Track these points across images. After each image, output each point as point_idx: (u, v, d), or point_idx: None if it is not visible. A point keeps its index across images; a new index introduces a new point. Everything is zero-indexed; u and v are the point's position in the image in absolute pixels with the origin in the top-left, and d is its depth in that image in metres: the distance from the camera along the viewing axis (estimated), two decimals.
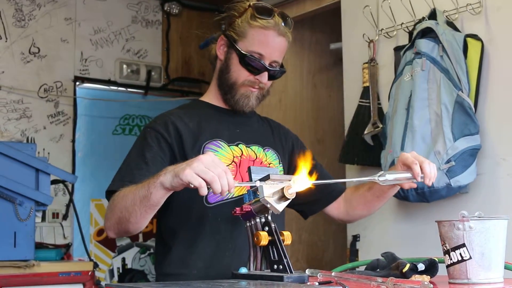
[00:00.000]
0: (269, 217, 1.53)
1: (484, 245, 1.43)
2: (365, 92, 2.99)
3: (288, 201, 1.49)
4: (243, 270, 1.53)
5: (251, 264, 1.54)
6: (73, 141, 4.33)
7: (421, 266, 1.49)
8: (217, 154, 1.87)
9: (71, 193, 4.08)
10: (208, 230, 1.86)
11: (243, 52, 1.91)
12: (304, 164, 1.54)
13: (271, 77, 1.96)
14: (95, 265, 3.43)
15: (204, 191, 1.50)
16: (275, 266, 1.47)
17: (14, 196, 3.07)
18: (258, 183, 1.49)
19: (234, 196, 1.87)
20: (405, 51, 2.71)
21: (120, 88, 4.61)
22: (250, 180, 1.55)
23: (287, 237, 1.53)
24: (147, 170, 1.78)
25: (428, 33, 2.60)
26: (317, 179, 1.57)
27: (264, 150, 2.00)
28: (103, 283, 3.75)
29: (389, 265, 1.60)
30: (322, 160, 2.77)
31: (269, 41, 1.92)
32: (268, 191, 1.48)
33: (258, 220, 1.53)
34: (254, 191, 1.54)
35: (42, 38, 4.27)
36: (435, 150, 2.48)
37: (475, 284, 1.44)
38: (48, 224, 4.14)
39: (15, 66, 4.16)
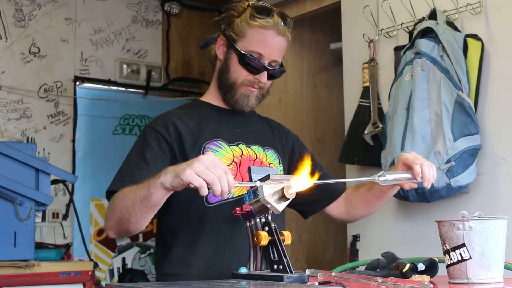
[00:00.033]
0: (269, 217, 1.53)
1: (484, 245, 1.44)
2: (365, 92, 2.99)
3: (288, 201, 1.49)
4: (243, 270, 1.53)
5: (251, 264, 1.54)
6: (73, 141, 4.33)
7: (421, 266, 1.49)
8: (217, 154, 1.87)
9: (71, 193, 4.08)
10: (208, 230, 1.86)
11: (242, 52, 1.91)
12: (304, 164, 1.54)
13: (271, 77, 1.96)
14: (95, 265, 3.43)
15: (204, 191, 1.50)
16: (275, 266, 1.47)
17: (14, 196, 3.07)
18: (258, 183, 1.49)
19: (234, 196, 1.87)
20: (405, 51, 2.71)
21: (120, 88, 4.61)
22: (250, 180, 1.55)
23: (287, 237, 1.53)
24: (147, 170, 1.78)
25: (428, 33, 2.60)
26: (317, 179, 1.57)
27: (264, 150, 2.00)
28: (103, 283, 3.75)
29: (389, 265, 1.60)
30: (322, 160, 2.77)
31: (268, 41, 1.92)
32: (268, 191, 1.48)
33: (258, 220, 1.53)
34: (254, 191, 1.54)
35: (42, 38, 4.27)
36: (435, 150, 2.48)
37: (475, 284, 1.44)
38: (48, 224, 4.14)
39: (15, 66, 4.16)
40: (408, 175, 1.78)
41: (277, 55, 1.94)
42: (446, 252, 1.48)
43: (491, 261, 1.44)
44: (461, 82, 2.50)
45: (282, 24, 1.93)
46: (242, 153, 1.94)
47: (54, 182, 3.40)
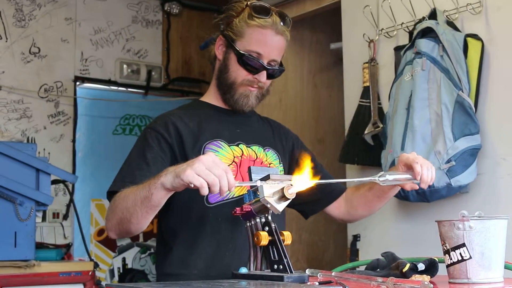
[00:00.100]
0: (269, 217, 1.53)
1: (484, 245, 1.44)
2: (366, 92, 2.99)
3: (288, 201, 1.49)
4: (243, 270, 1.53)
5: (251, 264, 1.54)
6: (74, 141, 4.34)
7: (421, 266, 1.50)
8: (218, 154, 1.87)
9: (71, 193, 4.08)
10: (209, 230, 1.86)
11: (241, 51, 1.91)
12: (305, 164, 1.54)
13: (270, 76, 1.96)
14: (96, 265, 3.43)
15: (205, 191, 1.50)
16: (275, 266, 1.48)
17: (15, 196, 3.07)
18: (258, 183, 1.49)
19: (234, 196, 1.87)
20: (405, 51, 2.71)
21: (120, 88, 4.61)
22: (251, 180, 1.55)
23: (287, 237, 1.53)
24: (148, 171, 1.78)
25: (428, 33, 2.60)
26: (317, 179, 1.57)
27: (264, 150, 2.00)
28: (103, 283, 3.75)
29: (389, 265, 1.61)
30: (323, 160, 2.77)
31: (267, 40, 1.92)
32: (268, 191, 1.48)
33: (258, 220, 1.53)
34: (254, 191, 1.54)
35: (42, 38, 4.27)
36: (436, 150, 2.48)
37: (475, 284, 1.44)
38: (48, 224, 4.14)
39: (16, 66, 4.16)
40: (408, 176, 1.78)
41: (276, 54, 1.94)
42: (446, 252, 1.48)
43: (491, 261, 1.44)
44: (461, 82, 2.50)
45: (281, 23, 1.93)
46: (242, 153, 1.94)
47: (54, 182, 3.40)
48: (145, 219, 1.69)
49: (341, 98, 3.28)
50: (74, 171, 4.28)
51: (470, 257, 1.44)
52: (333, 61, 4.16)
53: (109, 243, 4.46)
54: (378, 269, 1.67)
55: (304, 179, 1.50)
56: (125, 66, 4.59)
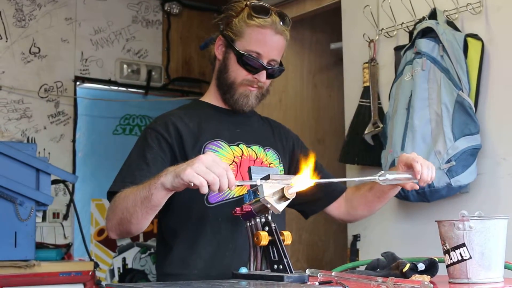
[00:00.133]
0: (269, 217, 1.53)
1: (484, 245, 1.44)
2: (366, 92, 2.99)
3: (288, 201, 1.49)
4: (244, 270, 1.53)
5: (251, 264, 1.54)
6: (74, 141, 4.34)
7: (421, 266, 1.50)
8: (218, 154, 1.87)
9: (71, 193, 4.08)
10: (209, 230, 1.86)
11: (241, 51, 1.91)
12: (305, 164, 1.54)
13: (270, 76, 1.96)
14: (96, 265, 3.43)
15: (205, 189, 1.50)
16: (275, 266, 1.48)
17: (15, 196, 3.07)
18: (258, 182, 1.49)
19: (234, 196, 1.88)
20: (405, 51, 2.71)
21: (120, 88, 4.62)
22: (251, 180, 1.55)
23: (287, 237, 1.53)
24: (148, 171, 1.78)
25: (428, 32, 2.60)
26: (317, 179, 1.57)
27: (264, 150, 2.00)
28: (103, 283, 3.75)
29: (389, 265, 1.61)
30: (323, 160, 2.76)
31: (266, 40, 1.91)
32: (268, 191, 1.48)
33: (258, 220, 1.54)
34: (254, 191, 1.54)
35: (42, 38, 4.27)
36: (436, 150, 2.48)
37: (475, 284, 1.44)
38: (48, 224, 4.14)
39: (16, 66, 4.16)
40: (408, 175, 1.78)
41: (275, 54, 1.94)
42: (446, 252, 1.48)
43: (491, 261, 1.44)
44: (461, 82, 2.50)
45: (281, 23, 1.93)
46: (243, 153, 1.94)
47: (54, 182, 3.40)
48: (145, 219, 1.69)
49: (341, 98, 3.28)
50: (74, 171, 4.28)
51: (470, 257, 1.44)
52: (333, 61, 4.16)
53: (109, 243, 4.46)
54: (378, 269, 1.67)
55: (304, 179, 1.50)
56: (125, 66, 4.59)
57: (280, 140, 2.09)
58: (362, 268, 1.79)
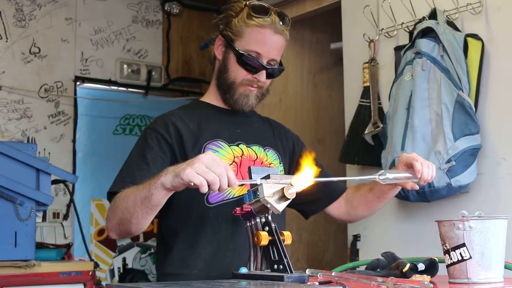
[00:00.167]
0: (269, 217, 1.53)
1: (484, 245, 1.44)
2: (366, 92, 2.99)
3: (288, 201, 1.49)
4: (244, 270, 1.53)
5: (252, 264, 1.54)
6: (74, 141, 4.34)
7: (421, 266, 1.50)
8: (218, 154, 1.87)
9: (71, 193, 4.08)
10: (209, 230, 1.86)
11: (240, 51, 1.91)
12: (305, 164, 1.54)
13: (269, 76, 1.96)
14: (96, 265, 3.43)
15: (204, 189, 1.50)
16: (276, 266, 1.48)
17: (15, 196, 3.07)
18: (258, 181, 1.49)
19: (234, 196, 1.88)
20: (405, 50, 2.71)
21: (120, 88, 4.62)
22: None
23: (287, 237, 1.53)
24: (148, 171, 1.78)
25: (428, 32, 2.60)
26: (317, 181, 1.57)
27: (264, 150, 2.00)
28: (103, 283, 3.76)
29: (389, 265, 1.61)
30: (323, 160, 2.76)
31: (266, 40, 1.91)
32: (268, 191, 1.48)
33: (258, 220, 1.54)
34: (254, 191, 1.54)
35: (42, 38, 4.28)
36: (436, 150, 2.48)
37: (475, 284, 1.44)
38: (48, 224, 4.14)
39: (16, 66, 4.16)
40: (408, 174, 1.78)
41: (275, 54, 1.94)
42: (446, 251, 1.49)
43: (491, 261, 1.44)
44: (461, 82, 2.50)
45: (280, 23, 1.93)
46: (243, 153, 1.94)
47: (54, 182, 3.40)
48: (145, 219, 1.69)
49: (341, 98, 3.28)
50: (74, 171, 4.28)
51: (470, 257, 1.44)
52: (333, 61, 4.16)
53: (109, 243, 4.46)
54: (378, 269, 1.67)
55: (304, 179, 1.50)
56: (125, 66, 4.59)
57: (280, 140, 2.09)
58: (362, 268, 1.79)
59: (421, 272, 1.49)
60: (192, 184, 1.50)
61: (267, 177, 1.49)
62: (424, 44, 2.58)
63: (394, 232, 2.88)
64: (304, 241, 4.04)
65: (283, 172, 2.00)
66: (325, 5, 3.48)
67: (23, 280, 3.07)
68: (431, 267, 1.51)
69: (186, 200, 1.85)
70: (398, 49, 2.87)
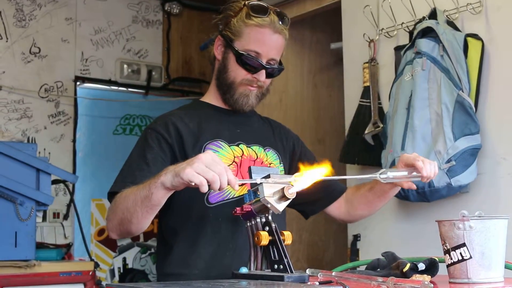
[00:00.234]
0: (270, 217, 1.53)
1: (484, 245, 1.44)
2: (366, 92, 2.99)
3: (289, 201, 1.49)
4: (244, 270, 1.53)
5: (252, 264, 1.54)
6: (74, 141, 4.34)
7: (421, 266, 1.50)
8: (218, 154, 1.87)
9: (71, 193, 4.09)
10: (209, 230, 1.86)
11: (240, 51, 1.92)
12: (305, 164, 1.54)
13: (269, 75, 1.96)
14: (96, 265, 3.43)
15: (205, 188, 1.50)
16: (276, 266, 1.48)
17: (15, 196, 3.07)
18: (258, 180, 1.49)
19: (234, 196, 1.88)
20: (405, 50, 2.71)
21: (120, 88, 4.62)
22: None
23: (287, 237, 1.53)
24: (148, 171, 1.78)
25: (428, 32, 2.60)
26: (317, 180, 1.57)
27: (264, 150, 2.00)
28: (104, 283, 3.76)
29: (389, 265, 1.61)
30: None
31: (265, 39, 1.91)
32: (269, 191, 1.48)
33: (258, 220, 1.54)
34: (254, 191, 1.54)
35: (42, 38, 4.28)
36: (436, 150, 2.48)
37: (475, 284, 1.44)
38: (49, 224, 4.14)
39: (16, 66, 4.16)
40: (411, 172, 1.77)
41: (274, 53, 1.94)
42: (447, 251, 1.49)
43: (491, 261, 1.44)
44: (461, 81, 2.50)
45: (279, 22, 1.93)
46: (243, 153, 1.94)
47: (54, 182, 3.40)
48: (145, 219, 1.69)
49: (341, 98, 3.28)
50: (74, 171, 4.28)
51: (471, 257, 1.44)
52: (333, 61, 4.16)
53: (109, 243, 4.46)
54: (379, 269, 1.67)
55: (304, 179, 1.50)
56: (125, 66, 4.59)
57: (280, 140, 2.09)
58: (363, 268, 1.79)
59: (422, 272, 1.49)
60: (193, 183, 1.50)
61: (267, 177, 1.49)
62: (424, 44, 2.58)
63: (394, 232, 2.88)
64: (304, 241, 4.04)
65: (283, 172, 2.00)
66: (325, 5, 3.48)
67: (23, 280, 3.07)
68: (431, 267, 1.51)
69: (186, 199, 1.85)
70: (398, 49, 2.87)
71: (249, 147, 1.97)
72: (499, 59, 2.54)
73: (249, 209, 1.53)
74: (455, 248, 1.46)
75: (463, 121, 2.47)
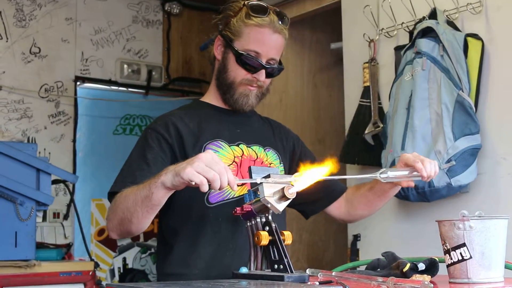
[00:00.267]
0: (270, 217, 1.53)
1: (484, 245, 1.44)
2: (366, 92, 2.99)
3: (289, 201, 1.49)
4: (244, 270, 1.53)
5: (252, 264, 1.54)
6: (74, 141, 4.34)
7: (421, 266, 1.50)
8: (218, 154, 1.87)
9: (72, 193, 4.09)
10: (209, 230, 1.86)
11: (240, 51, 1.92)
12: (305, 164, 1.54)
13: (269, 75, 1.96)
14: (96, 265, 3.43)
15: (205, 188, 1.50)
16: (276, 266, 1.48)
17: (15, 196, 3.07)
18: (258, 180, 1.49)
19: (234, 196, 1.88)
20: (405, 50, 2.71)
21: (120, 88, 4.62)
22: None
23: (287, 236, 1.53)
24: (148, 171, 1.78)
25: (428, 32, 2.60)
26: (318, 180, 1.57)
27: (265, 150, 2.00)
28: (104, 283, 3.76)
29: (389, 265, 1.61)
30: None
31: (265, 39, 1.92)
32: (269, 191, 1.48)
33: (258, 220, 1.54)
34: (254, 191, 1.54)
35: (42, 38, 4.28)
36: (436, 150, 2.48)
37: (475, 284, 1.44)
38: (49, 224, 4.14)
39: (16, 66, 4.16)
40: (409, 172, 1.77)
41: (274, 53, 1.94)
42: (447, 251, 1.49)
43: (491, 261, 1.44)
44: (461, 81, 2.50)
45: (279, 22, 1.93)
46: (243, 153, 1.94)
47: (54, 182, 3.40)
48: (145, 219, 1.69)
49: (341, 98, 3.28)
50: (74, 171, 4.28)
51: (471, 257, 1.44)
52: (333, 61, 4.16)
53: (109, 243, 4.47)
54: (379, 269, 1.67)
55: (304, 179, 1.50)
56: (125, 66, 4.59)
57: (281, 140, 2.09)
58: (363, 268, 1.79)
59: (422, 272, 1.49)
60: (193, 183, 1.50)
61: (267, 177, 1.49)
62: (424, 44, 2.58)
63: (394, 232, 2.88)
64: (305, 241, 4.04)
65: (283, 172, 2.00)
66: (325, 5, 3.48)
67: (23, 280, 3.07)
68: (431, 267, 1.51)
69: (187, 199, 1.85)
70: (398, 49, 2.87)
71: (249, 147, 1.97)
72: (499, 59, 2.54)
73: (249, 209, 1.53)
74: (455, 248, 1.46)
75: (463, 121, 2.47)
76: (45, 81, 4.26)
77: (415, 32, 2.65)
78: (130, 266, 4.54)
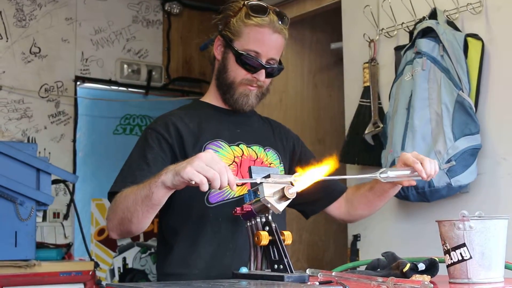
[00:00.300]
0: (270, 217, 1.53)
1: (484, 245, 1.44)
2: (366, 92, 2.99)
3: (289, 201, 1.49)
4: (244, 270, 1.53)
5: (252, 264, 1.54)
6: (74, 141, 4.34)
7: (421, 266, 1.50)
8: (218, 154, 1.87)
9: (72, 193, 4.09)
10: (209, 230, 1.86)
11: (239, 51, 1.92)
12: (305, 164, 1.54)
13: (269, 75, 1.96)
14: (96, 265, 3.43)
15: (205, 187, 1.50)
16: (276, 266, 1.48)
17: (15, 196, 3.07)
18: (258, 180, 1.49)
19: (234, 196, 1.88)
20: (405, 50, 2.71)
21: (120, 88, 4.62)
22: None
23: (287, 236, 1.53)
24: (148, 171, 1.78)
25: (428, 32, 2.60)
26: (318, 180, 1.57)
27: (265, 150, 2.00)
28: (104, 283, 3.76)
29: (389, 265, 1.61)
30: None
31: (264, 39, 1.92)
32: (269, 191, 1.48)
33: (258, 220, 1.54)
34: (254, 191, 1.54)
35: (42, 38, 4.28)
36: (436, 150, 2.48)
37: (475, 284, 1.44)
38: (49, 224, 4.14)
39: (16, 66, 4.16)
40: (410, 171, 1.77)
41: (274, 53, 1.94)
42: (447, 251, 1.49)
43: (491, 261, 1.44)
44: (461, 81, 2.50)
45: (279, 22, 1.93)
46: (243, 153, 1.94)
47: (55, 182, 3.40)
48: (146, 219, 1.69)
49: (341, 98, 3.28)
50: (74, 171, 4.28)
51: (471, 257, 1.44)
52: (333, 61, 4.16)
53: (109, 243, 4.47)
54: (379, 269, 1.67)
55: (304, 179, 1.50)
56: (125, 66, 4.59)
57: (281, 140, 2.09)
58: (363, 268, 1.79)
59: (422, 272, 1.49)
60: (193, 182, 1.50)
61: (267, 177, 1.49)
62: (424, 44, 2.58)
63: (394, 232, 2.88)
64: (305, 241, 4.04)
65: (283, 172, 2.00)
66: (325, 5, 3.48)
67: (23, 280, 3.07)
68: (431, 267, 1.51)
69: (187, 199, 1.85)
70: (398, 49, 2.87)
71: (249, 147, 1.97)
72: (499, 59, 2.54)
73: (249, 209, 1.53)
74: (455, 248, 1.46)
75: (463, 121, 2.47)
76: (45, 81, 4.26)
77: (415, 32, 2.65)
78: (130, 266, 4.54)
